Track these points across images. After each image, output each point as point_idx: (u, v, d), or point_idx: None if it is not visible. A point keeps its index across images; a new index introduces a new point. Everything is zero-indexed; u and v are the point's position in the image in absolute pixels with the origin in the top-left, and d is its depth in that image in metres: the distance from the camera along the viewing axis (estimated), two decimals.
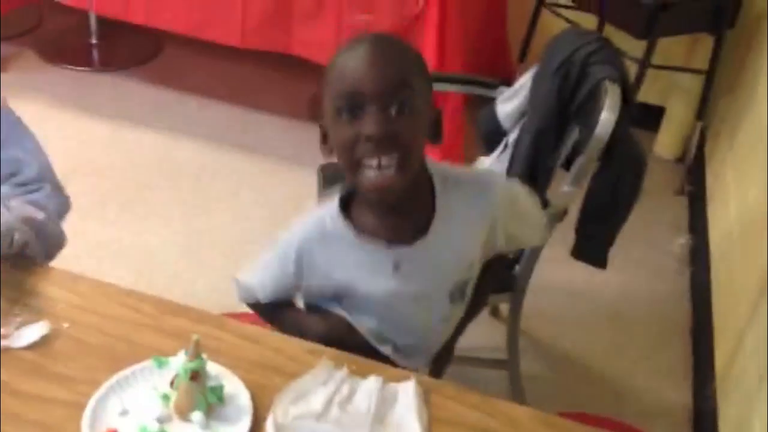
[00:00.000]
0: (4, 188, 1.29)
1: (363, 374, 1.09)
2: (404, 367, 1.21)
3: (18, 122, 1.38)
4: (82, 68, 3.18)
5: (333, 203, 1.19)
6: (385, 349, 1.25)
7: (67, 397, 1.02)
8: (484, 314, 2.18)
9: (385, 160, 1.07)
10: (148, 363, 1.06)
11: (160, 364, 1.05)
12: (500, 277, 1.68)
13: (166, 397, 1.01)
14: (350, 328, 1.24)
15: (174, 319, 1.16)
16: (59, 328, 1.10)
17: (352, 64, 1.08)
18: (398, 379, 1.09)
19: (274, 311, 1.31)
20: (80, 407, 0.99)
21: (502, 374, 1.89)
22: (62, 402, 1.01)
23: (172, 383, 1.02)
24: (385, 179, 1.08)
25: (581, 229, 1.65)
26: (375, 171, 1.08)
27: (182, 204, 2.58)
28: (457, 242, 1.20)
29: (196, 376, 1.00)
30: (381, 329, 1.24)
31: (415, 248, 1.17)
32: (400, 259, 1.17)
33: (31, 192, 1.31)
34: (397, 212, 1.16)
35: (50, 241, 1.27)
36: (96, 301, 1.17)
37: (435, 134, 1.16)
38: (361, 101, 1.07)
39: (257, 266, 1.29)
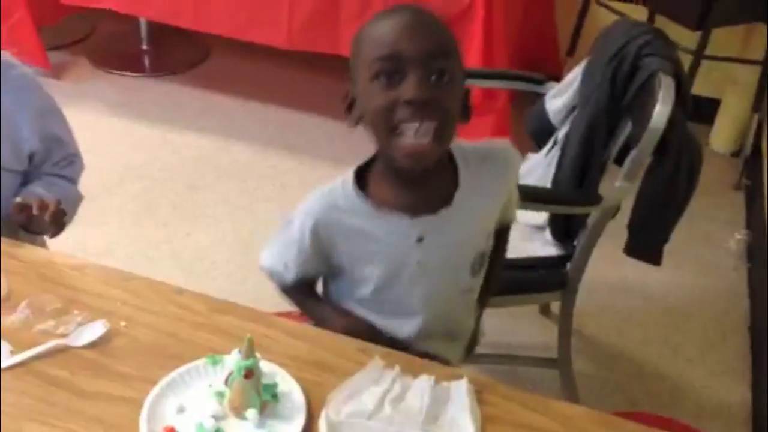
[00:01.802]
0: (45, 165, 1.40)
1: (414, 373, 1.08)
2: (432, 356, 1.20)
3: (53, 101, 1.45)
4: (134, 74, 3.25)
5: (344, 177, 1.19)
6: (408, 331, 1.24)
7: (125, 394, 1.03)
8: (533, 311, 2.16)
9: (424, 126, 1.06)
10: (203, 361, 1.07)
11: (215, 362, 1.06)
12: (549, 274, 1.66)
13: (220, 395, 1.02)
14: (370, 328, 1.24)
15: (224, 317, 1.17)
16: (116, 327, 1.12)
17: (394, 28, 1.07)
18: (449, 378, 1.08)
19: (302, 298, 1.31)
20: (138, 404, 1.01)
21: (553, 374, 1.87)
22: (121, 399, 1.03)
23: (226, 381, 1.02)
24: (423, 146, 1.07)
25: (635, 226, 1.61)
26: (412, 137, 1.07)
27: (231, 205, 2.61)
28: (479, 213, 1.20)
29: (250, 374, 1.00)
30: (406, 304, 1.23)
31: (440, 218, 1.16)
32: (424, 229, 1.17)
33: (64, 167, 1.43)
34: (421, 183, 1.16)
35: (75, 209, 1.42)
36: (149, 299, 1.19)
37: (464, 112, 1.14)
38: (402, 65, 1.06)
39: (276, 249, 1.28)
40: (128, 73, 3.24)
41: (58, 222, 1.28)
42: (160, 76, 3.25)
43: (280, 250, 1.27)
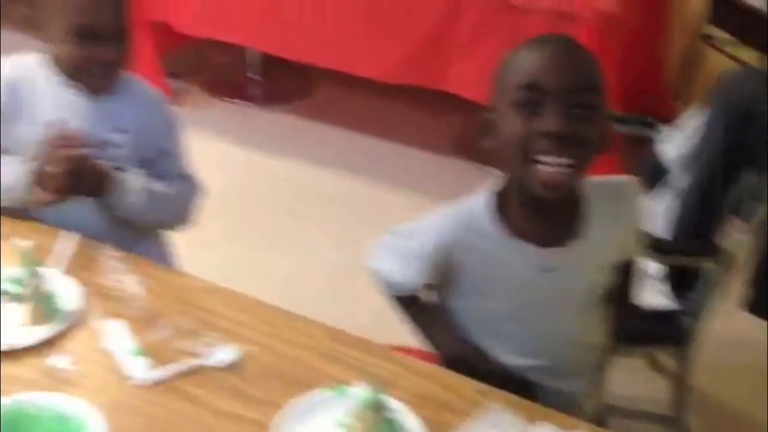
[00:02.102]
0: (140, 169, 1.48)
1: (531, 419, 1.08)
2: (555, 391, 1.19)
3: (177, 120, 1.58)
4: (244, 102, 3.39)
5: (480, 199, 1.20)
6: (528, 364, 1.23)
7: (254, 416, 1.08)
8: (639, 362, 2.11)
9: (561, 160, 1.07)
10: (329, 391, 1.10)
11: (341, 393, 1.10)
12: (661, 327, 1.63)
13: (346, 427, 1.05)
14: (482, 356, 1.24)
15: (346, 348, 1.20)
16: (246, 350, 1.17)
17: (538, 58, 1.09)
18: (568, 427, 1.08)
19: (415, 313, 1.32)
20: (265, 428, 1.05)
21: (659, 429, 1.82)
22: (249, 420, 1.07)
23: (351, 413, 1.05)
24: (558, 177, 1.08)
25: (755, 281, 1.57)
26: (549, 168, 1.08)
27: (330, 234, 2.67)
28: (606, 246, 1.20)
29: (376, 407, 1.03)
30: (526, 335, 1.23)
31: (569, 250, 1.17)
32: (552, 260, 1.18)
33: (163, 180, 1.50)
34: (550, 213, 1.16)
35: (166, 215, 1.51)
36: (276, 326, 1.24)
37: (602, 144, 1.14)
38: (543, 96, 1.07)
39: (394, 258, 1.30)
40: (237, 102, 3.38)
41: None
42: (268, 105, 3.38)
43: (399, 261, 1.29)
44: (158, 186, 1.48)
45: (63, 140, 1.35)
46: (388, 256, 1.32)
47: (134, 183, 1.44)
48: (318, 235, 2.65)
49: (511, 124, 1.10)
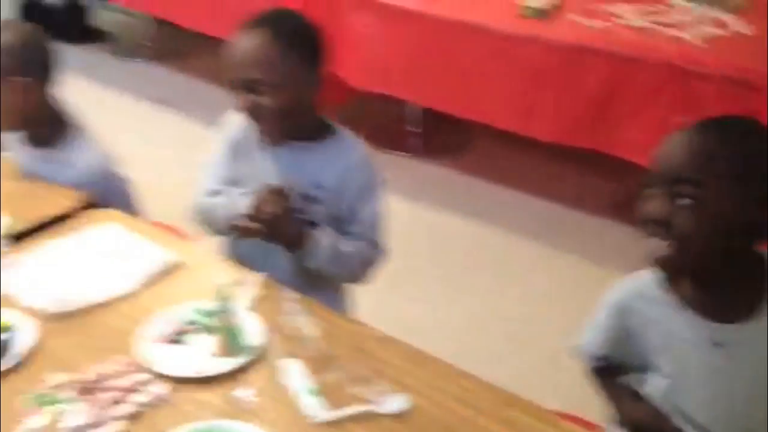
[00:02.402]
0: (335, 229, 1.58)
1: None
2: None
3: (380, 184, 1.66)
4: (402, 153, 3.51)
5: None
6: None
7: None
8: None
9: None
10: None
11: None
12: None
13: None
14: (663, 418, 1.23)
15: (512, 411, 1.22)
16: (415, 402, 1.22)
17: (690, 145, 1.10)
18: None
19: (603, 383, 1.35)
20: None
21: None
22: None
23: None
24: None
25: None
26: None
27: (482, 288, 2.69)
28: None
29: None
30: (694, 409, 1.20)
31: (742, 328, 1.15)
32: (722, 335, 1.16)
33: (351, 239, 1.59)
34: (721, 287, 1.16)
35: (346, 273, 1.62)
36: (443, 380, 1.27)
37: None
38: (683, 182, 1.09)
39: (590, 330, 1.34)
40: (397, 153, 3.51)
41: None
42: (427, 157, 3.48)
43: (592, 333, 1.33)
44: (345, 246, 1.57)
45: (270, 195, 1.48)
46: (588, 331, 1.35)
47: (324, 241, 1.54)
48: (473, 290, 2.68)
49: (653, 202, 1.12)
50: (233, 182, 1.63)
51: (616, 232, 2.91)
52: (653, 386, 1.24)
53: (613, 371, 1.32)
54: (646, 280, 1.22)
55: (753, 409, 1.21)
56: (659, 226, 1.10)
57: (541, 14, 2.86)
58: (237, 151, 1.63)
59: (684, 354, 1.19)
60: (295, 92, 1.50)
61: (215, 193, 1.64)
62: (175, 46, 4.41)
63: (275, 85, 1.47)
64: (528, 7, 2.88)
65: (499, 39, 2.83)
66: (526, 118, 2.86)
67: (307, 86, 1.53)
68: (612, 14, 2.90)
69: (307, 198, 1.56)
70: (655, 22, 2.80)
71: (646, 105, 2.58)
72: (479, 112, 3.01)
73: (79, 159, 1.78)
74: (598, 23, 2.81)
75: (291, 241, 1.52)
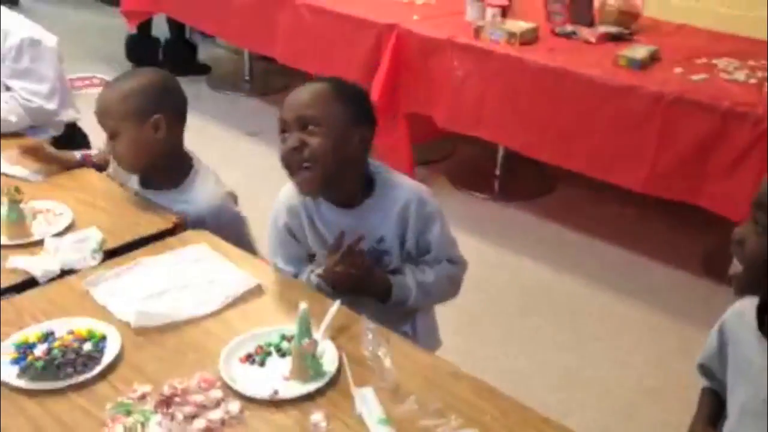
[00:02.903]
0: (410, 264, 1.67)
1: None
2: None
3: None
4: (483, 195, 3.50)
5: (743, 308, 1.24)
6: None
7: None
8: None
9: None
10: None
11: None
12: None
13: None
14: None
15: None
16: None
17: None
18: None
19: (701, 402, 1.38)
20: None
21: None
22: None
23: None
24: None
25: None
26: None
27: (558, 337, 2.63)
28: None
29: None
30: None
31: None
32: None
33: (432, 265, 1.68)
34: None
35: (436, 298, 1.74)
36: (516, 419, 1.25)
37: None
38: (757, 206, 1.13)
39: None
40: (479, 194, 3.50)
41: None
42: (508, 200, 3.46)
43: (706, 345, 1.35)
44: (429, 276, 1.64)
45: (346, 257, 1.54)
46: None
47: (410, 282, 1.61)
48: (548, 338, 2.63)
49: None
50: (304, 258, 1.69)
51: (700, 287, 2.81)
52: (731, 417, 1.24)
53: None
54: (752, 302, 1.22)
55: None
56: (738, 246, 1.15)
57: (639, 64, 2.83)
58: (294, 235, 1.67)
59: (756, 382, 1.18)
60: (342, 142, 1.53)
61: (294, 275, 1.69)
62: (272, 81, 4.58)
63: (326, 124, 1.52)
64: (625, 57, 2.86)
65: (595, 88, 2.81)
66: (618, 169, 2.81)
67: (353, 141, 1.56)
68: (714, 66, 2.84)
69: (374, 253, 1.62)
70: (758, 78, 2.72)
71: (743, 160, 2.50)
72: (569, 160, 2.97)
73: (198, 197, 1.84)
74: (698, 76, 2.76)
75: (379, 293, 1.59)
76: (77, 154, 2.05)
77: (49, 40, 2.39)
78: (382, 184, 1.64)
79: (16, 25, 2.36)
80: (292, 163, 1.55)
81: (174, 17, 4.48)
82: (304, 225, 1.65)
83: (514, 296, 2.86)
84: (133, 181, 1.93)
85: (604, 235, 3.17)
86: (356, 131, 1.57)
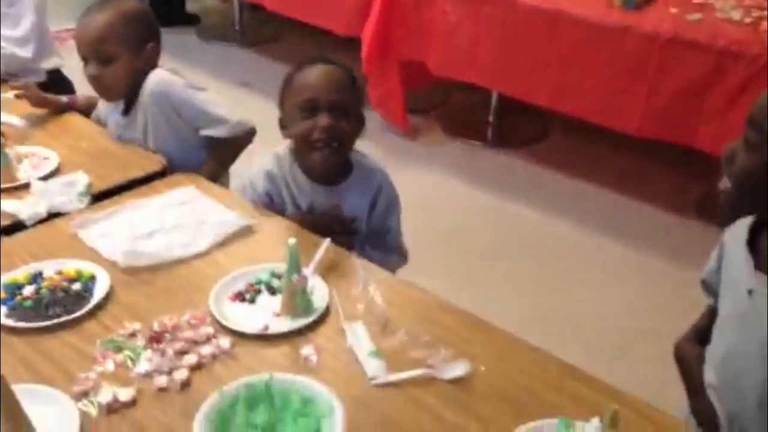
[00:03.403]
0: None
1: None
2: None
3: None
4: (476, 142, 3.48)
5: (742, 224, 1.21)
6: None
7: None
8: None
9: None
10: (555, 422, 1.10)
11: (567, 426, 1.08)
12: None
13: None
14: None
15: (577, 384, 1.19)
16: (476, 370, 1.20)
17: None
18: None
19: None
20: None
21: None
22: None
23: None
24: None
25: None
26: None
27: (545, 282, 2.63)
28: None
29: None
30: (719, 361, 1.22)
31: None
32: (753, 281, 1.15)
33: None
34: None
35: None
36: (507, 351, 1.25)
37: None
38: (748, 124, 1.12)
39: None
40: (472, 142, 3.48)
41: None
42: (500, 147, 3.44)
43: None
44: (376, 255, 1.63)
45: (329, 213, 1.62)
46: None
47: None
48: (533, 283, 2.63)
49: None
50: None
51: (694, 230, 2.82)
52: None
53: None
54: (749, 220, 1.20)
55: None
56: (727, 163, 1.14)
57: (634, 4, 2.78)
58: (273, 200, 1.68)
59: (737, 297, 1.19)
60: (359, 130, 1.64)
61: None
62: (262, 31, 4.51)
63: (353, 113, 1.61)
64: None
65: (589, 29, 2.77)
66: (613, 111, 2.79)
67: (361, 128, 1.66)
68: (710, 6, 2.79)
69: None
70: (754, 17, 2.68)
71: (738, 100, 2.48)
72: (563, 103, 2.95)
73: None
74: (694, 15, 2.71)
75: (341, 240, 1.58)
76: (63, 98, 2.02)
77: None
78: (358, 166, 1.68)
79: None
80: (323, 140, 1.58)
81: None
82: (284, 195, 1.66)
83: (509, 241, 2.86)
84: (116, 113, 1.92)
85: (598, 180, 3.16)
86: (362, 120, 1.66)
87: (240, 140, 1.89)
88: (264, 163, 1.69)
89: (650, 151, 3.14)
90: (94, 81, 1.83)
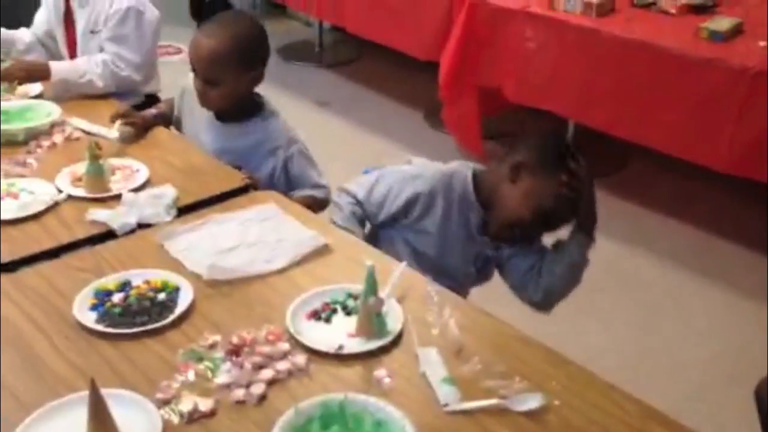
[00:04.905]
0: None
1: None
2: None
3: None
4: None
5: None
6: None
7: None
8: None
9: None
10: None
11: None
12: None
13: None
14: None
15: (658, 427, 1.16)
16: (550, 403, 1.19)
17: None
18: None
19: None
20: None
21: None
22: None
23: None
24: None
25: None
26: None
27: (628, 314, 2.58)
28: None
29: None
30: None
31: None
32: None
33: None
34: None
35: None
36: (583, 386, 1.24)
37: None
38: None
39: None
40: None
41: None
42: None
43: None
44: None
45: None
46: None
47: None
48: (617, 314, 2.58)
49: None
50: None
51: None
52: None
53: None
54: None
55: None
56: None
57: (722, 37, 2.72)
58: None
59: None
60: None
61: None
62: (342, 52, 4.59)
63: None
64: (706, 29, 2.75)
65: (676, 60, 2.72)
66: (698, 145, 2.72)
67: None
68: None
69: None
70: None
71: None
72: (647, 136, 2.89)
73: (268, 128, 2.00)
74: None
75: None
76: (152, 111, 2.12)
77: (152, 12, 2.43)
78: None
79: None
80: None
81: None
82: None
83: (587, 272, 2.80)
84: (204, 116, 2.02)
85: (676, 213, 3.08)
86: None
87: (322, 204, 1.99)
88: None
89: (727, 184, 3.05)
90: (200, 95, 1.94)
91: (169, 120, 2.15)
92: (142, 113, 2.10)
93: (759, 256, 2.84)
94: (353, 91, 4.16)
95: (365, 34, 3.78)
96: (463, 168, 1.78)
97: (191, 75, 1.97)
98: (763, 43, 2.69)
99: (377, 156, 3.58)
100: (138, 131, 2.04)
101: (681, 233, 3.00)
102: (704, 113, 2.70)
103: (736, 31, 2.79)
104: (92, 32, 2.37)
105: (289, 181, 1.99)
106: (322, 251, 1.59)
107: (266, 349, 1.30)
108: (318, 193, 1.98)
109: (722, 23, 2.80)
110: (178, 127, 2.16)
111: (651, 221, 3.08)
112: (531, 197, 1.67)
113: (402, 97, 4.01)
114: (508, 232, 1.72)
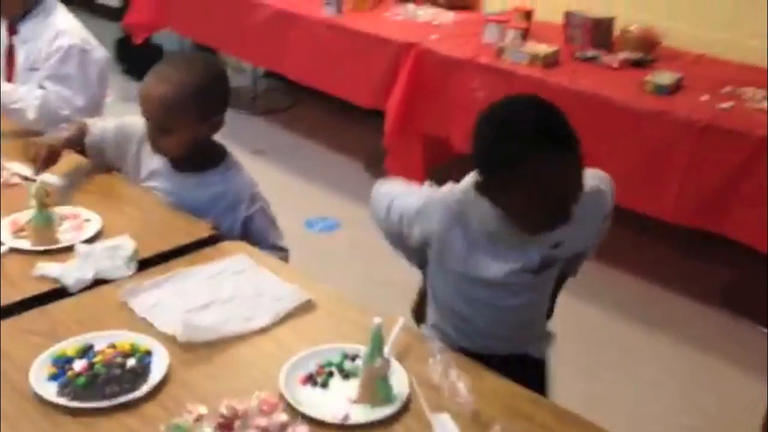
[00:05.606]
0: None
1: None
2: None
3: None
4: None
5: None
6: None
7: None
8: None
9: None
10: None
11: None
12: None
13: None
14: None
15: None
16: None
17: None
18: None
19: None
20: None
21: None
22: None
23: None
24: None
25: None
26: None
27: (574, 365, 2.54)
28: None
29: None
30: None
31: None
32: None
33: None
34: None
35: None
36: None
37: None
38: None
39: None
40: None
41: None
42: None
43: None
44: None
45: None
46: None
47: None
48: (562, 363, 2.53)
49: None
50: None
51: (720, 320, 2.75)
52: None
53: None
54: None
55: None
56: None
57: (666, 90, 2.79)
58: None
59: None
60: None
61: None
62: (277, 100, 4.48)
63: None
64: (652, 82, 2.81)
65: (621, 112, 2.75)
66: (644, 195, 2.74)
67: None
68: (740, 95, 2.80)
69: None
70: None
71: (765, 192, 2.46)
72: None
73: (229, 181, 1.83)
74: (726, 104, 2.72)
75: None
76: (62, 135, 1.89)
77: (99, 52, 2.26)
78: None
79: (72, 29, 2.23)
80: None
81: (180, 32, 4.38)
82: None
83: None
84: (158, 162, 1.84)
85: (620, 264, 3.09)
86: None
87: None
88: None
89: (672, 235, 3.09)
90: (152, 141, 1.76)
91: (79, 145, 1.92)
92: (51, 141, 1.84)
93: (705, 307, 2.86)
94: (290, 139, 4.05)
95: (306, 81, 3.69)
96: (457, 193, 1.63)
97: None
98: (705, 97, 2.77)
99: (316, 207, 3.47)
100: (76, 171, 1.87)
101: (623, 284, 3.00)
102: (651, 165, 2.73)
103: (678, 86, 2.87)
104: (31, 69, 2.18)
105: (246, 240, 1.77)
106: (306, 307, 1.46)
107: (262, 421, 1.15)
108: (275, 256, 1.76)
109: (665, 77, 2.87)
110: (100, 161, 1.93)
111: (594, 272, 3.07)
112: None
113: (341, 146, 3.92)
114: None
